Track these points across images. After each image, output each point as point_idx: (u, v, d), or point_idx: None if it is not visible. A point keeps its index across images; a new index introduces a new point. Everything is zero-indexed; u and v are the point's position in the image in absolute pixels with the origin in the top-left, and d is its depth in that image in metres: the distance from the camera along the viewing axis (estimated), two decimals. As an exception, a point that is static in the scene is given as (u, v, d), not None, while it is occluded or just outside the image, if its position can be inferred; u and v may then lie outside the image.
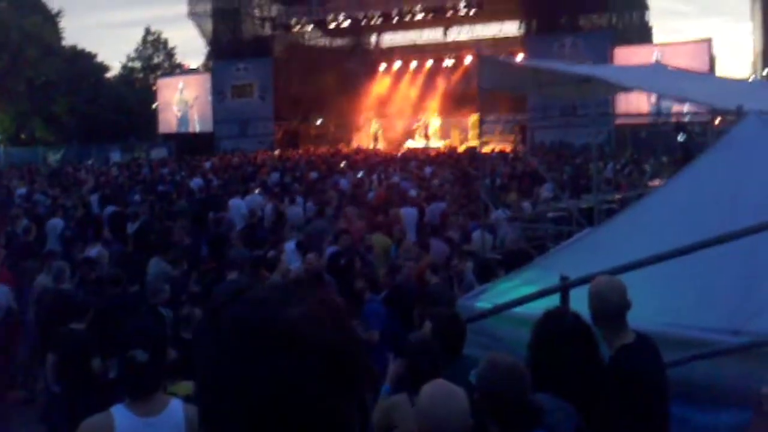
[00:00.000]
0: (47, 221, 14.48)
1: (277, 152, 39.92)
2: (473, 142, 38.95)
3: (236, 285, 8.11)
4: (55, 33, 57.89)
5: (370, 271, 9.12)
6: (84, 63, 58.35)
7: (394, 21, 42.05)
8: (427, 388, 3.39)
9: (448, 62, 46.19)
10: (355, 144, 47.46)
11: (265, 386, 1.10)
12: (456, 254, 10.56)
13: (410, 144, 44.36)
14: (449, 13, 39.93)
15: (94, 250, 11.18)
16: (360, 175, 22.80)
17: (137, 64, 65.37)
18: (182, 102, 49.36)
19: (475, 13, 38.67)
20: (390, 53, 50.23)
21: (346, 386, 1.16)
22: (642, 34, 40.87)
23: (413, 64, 47.59)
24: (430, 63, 47.06)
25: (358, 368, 1.19)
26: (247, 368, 1.11)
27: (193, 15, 45.94)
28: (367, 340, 7.21)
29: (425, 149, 40.06)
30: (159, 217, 15.35)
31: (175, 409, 3.96)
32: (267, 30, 47.27)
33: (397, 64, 48.00)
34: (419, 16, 40.80)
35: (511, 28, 45.50)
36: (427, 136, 45.72)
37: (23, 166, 34.81)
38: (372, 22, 42.51)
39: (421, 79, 47.63)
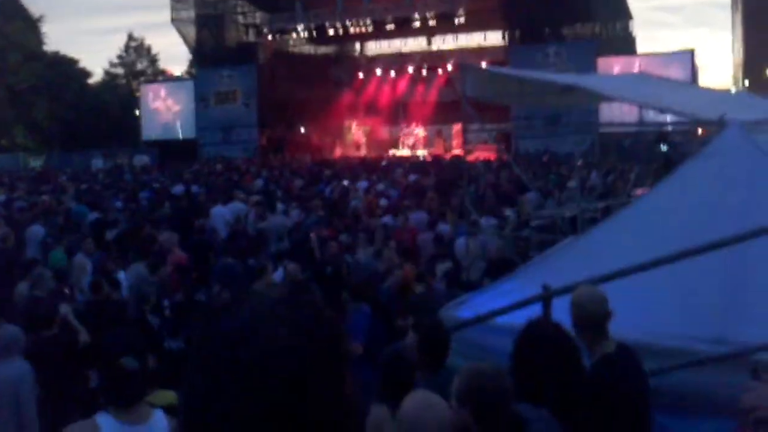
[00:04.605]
0: (27, 228, 14.30)
1: (260, 160, 39.79)
2: (457, 151, 39.06)
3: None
4: (37, 38, 57.63)
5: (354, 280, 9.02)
6: (66, 69, 58.08)
7: (379, 29, 42.00)
8: (409, 400, 3.36)
9: (432, 71, 46.26)
10: (338, 151, 47.44)
11: (222, 408, 1.07)
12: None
13: (394, 152, 44.37)
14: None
15: (73, 258, 11.07)
16: (345, 183, 22.73)
17: (120, 71, 65.11)
18: (165, 109, 49.14)
19: (458, 23, 38.73)
20: (374, 61, 50.27)
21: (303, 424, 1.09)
22: (626, 44, 41.07)
23: (397, 72, 47.63)
24: (413, 71, 47.11)
25: (321, 407, 1.11)
26: (210, 388, 1.09)
27: (176, 21, 45.74)
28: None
29: (409, 157, 40.06)
30: (141, 223, 15.21)
31: (160, 418, 3.92)
32: (251, 37, 47.16)
33: (381, 72, 48.03)
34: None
35: (495, 38, 45.69)
36: (410, 145, 45.78)
37: (3, 173, 34.57)
38: (356, 30, 42.49)
39: (404, 87, 47.69)
